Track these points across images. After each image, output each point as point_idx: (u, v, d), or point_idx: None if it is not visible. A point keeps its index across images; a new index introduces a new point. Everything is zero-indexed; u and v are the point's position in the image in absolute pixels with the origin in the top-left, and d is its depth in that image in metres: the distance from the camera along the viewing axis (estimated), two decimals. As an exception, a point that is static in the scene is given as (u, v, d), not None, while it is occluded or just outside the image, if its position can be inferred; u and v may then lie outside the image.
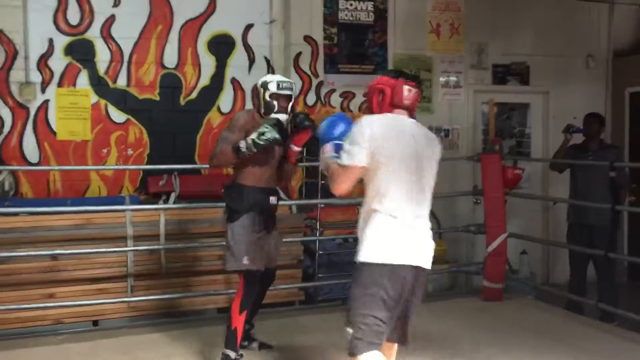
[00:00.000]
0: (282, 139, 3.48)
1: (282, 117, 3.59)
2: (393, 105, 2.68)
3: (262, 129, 3.43)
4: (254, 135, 3.42)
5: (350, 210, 5.99)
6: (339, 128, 2.75)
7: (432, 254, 2.69)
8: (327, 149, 2.73)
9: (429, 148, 2.68)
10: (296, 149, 3.64)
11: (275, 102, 3.60)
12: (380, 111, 2.68)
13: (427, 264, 2.66)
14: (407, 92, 2.68)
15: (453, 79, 6.43)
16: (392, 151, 2.54)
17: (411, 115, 2.74)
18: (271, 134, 3.41)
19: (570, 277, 5.41)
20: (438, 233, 6.06)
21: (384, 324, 2.52)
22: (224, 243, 3.66)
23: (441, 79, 6.39)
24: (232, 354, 3.55)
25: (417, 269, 2.60)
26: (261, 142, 3.41)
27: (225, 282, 4.96)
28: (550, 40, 6.67)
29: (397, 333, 2.69)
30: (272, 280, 3.95)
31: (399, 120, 2.66)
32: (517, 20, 6.59)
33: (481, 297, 5.28)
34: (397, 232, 2.57)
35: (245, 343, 3.83)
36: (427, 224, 2.69)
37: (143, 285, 4.78)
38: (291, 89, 3.67)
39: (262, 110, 3.64)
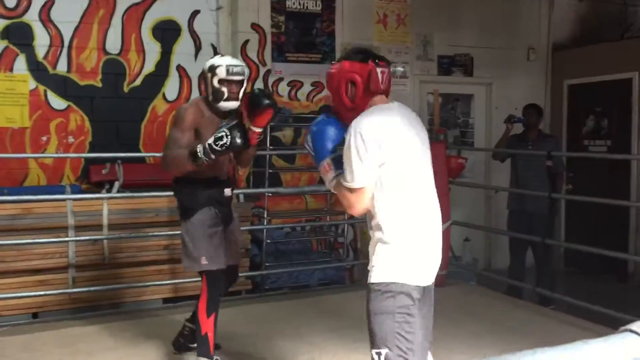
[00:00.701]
0: (244, 144, 3.11)
1: (233, 104, 3.30)
2: (371, 93, 2.27)
3: (219, 133, 3.07)
4: (210, 140, 3.07)
5: (297, 200, 6.02)
6: (331, 138, 2.30)
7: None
8: (327, 169, 2.31)
9: (423, 130, 2.33)
10: (257, 130, 3.25)
11: (224, 89, 3.26)
12: (354, 103, 2.28)
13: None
14: (382, 74, 2.27)
15: (400, 69, 6.51)
16: (402, 151, 2.18)
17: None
18: (230, 139, 3.05)
19: (510, 263, 5.59)
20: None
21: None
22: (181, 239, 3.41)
23: (388, 69, 6.44)
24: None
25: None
26: (219, 149, 3.07)
27: (171, 272, 4.91)
28: (493, 33, 6.83)
29: None
30: (235, 278, 3.69)
31: (390, 110, 2.26)
32: (461, 13, 6.71)
33: (425, 283, 5.38)
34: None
35: (193, 345, 3.53)
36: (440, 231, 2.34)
37: (85, 276, 4.68)
38: (242, 74, 3.32)
39: (210, 98, 3.30)
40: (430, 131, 6.48)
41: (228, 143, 3.06)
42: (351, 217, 6.14)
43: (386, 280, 2.15)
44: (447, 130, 6.50)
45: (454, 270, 5.64)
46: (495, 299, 5.09)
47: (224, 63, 3.31)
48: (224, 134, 3.06)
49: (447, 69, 6.78)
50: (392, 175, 2.16)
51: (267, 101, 3.22)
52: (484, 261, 6.87)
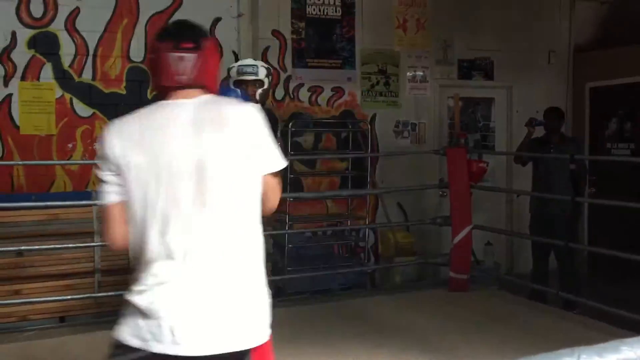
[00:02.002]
0: None
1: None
2: (158, 87, 1.76)
3: None
4: None
5: (319, 204, 6.05)
6: None
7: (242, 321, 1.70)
8: None
9: (219, 136, 1.66)
10: None
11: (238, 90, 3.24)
12: (156, 99, 1.77)
13: (217, 344, 1.62)
14: (178, 60, 1.70)
15: (420, 74, 6.51)
16: (143, 169, 1.65)
17: (210, 91, 1.76)
18: None
19: (533, 267, 5.55)
20: (406, 226, 6.17)
21: None
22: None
23: (408, 74, 6.46)
24: None
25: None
26: None
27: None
28: (513, 36, 6.80)
29: None
30: None
31: (164, 112, 1.71)
32: (481, 16, 6.70)
33: (448, 287, 5.38)
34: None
35: None
36: (221, 265, 1.65)
37: (110, 280, 4.75)
38: (255, 73, 3.28)
39: None
40: (450, 135, 6.54)
41: None
42: (372, 221, 6.19)
43: None
44: (467, 135, 6.48)
45: (476, 274, 5.62)
46: (518, 303, 5.06)
47: (237, 64, 3.34)
48: None
49: (467, 72, 6.77)
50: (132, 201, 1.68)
51: None
52: (506, 265, 6.82)
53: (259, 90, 3.30)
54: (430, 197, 6.30)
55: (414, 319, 4.56)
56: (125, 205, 1.69)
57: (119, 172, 1.68)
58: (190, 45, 1.73)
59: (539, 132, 5.56)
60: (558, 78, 7.10)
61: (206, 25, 5.71)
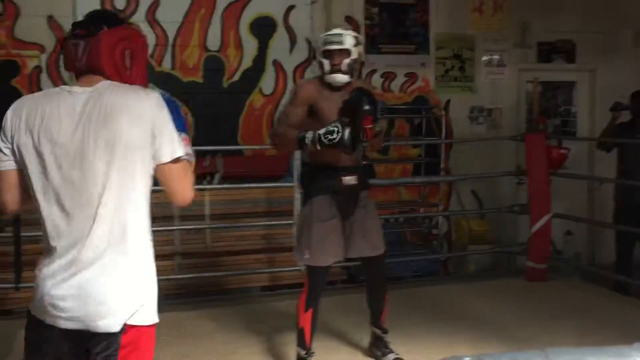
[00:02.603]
0: (351, 146, 2.94)
1: (340, 78, 3.13)
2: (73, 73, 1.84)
3: (332, 127, 2.94)
4: (321, 131, 2.96)
5: (391, 191, 6.01)
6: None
7: (113, 306, 1.72)
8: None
9: (103, 129, 1.69)
10: (367, 126, 3.02)
11: (326, 61, 3.12)
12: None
13: (95, 323, 1.69)
14: (73, 47, 1.79)
15: (496, 57, 6.33)
16: (29, 148, 1.73)
17: (110, 78, 1.78)
18: (339, 137, 2.90)
19: (617, 258, 5.33)
20: (480, 214, 6.05)
21: None
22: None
23: (484, 58, 6.30)
24: (301, 352, 3.31)
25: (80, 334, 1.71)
26: (326, 143, 2.94)
27: (268, 261, 5.06)
28: (596, 17, 6.48)
29: None
30: (377, 268, 3.39)
31: (58, 98, 1.75)
32: (562, -4, 6.43)
33: (525, 277, 5.24)
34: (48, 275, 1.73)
35: (379, 353, 3.49)
36: (101, 256, 1.71)
37: (189, 263, 4.92)
38: (340, 42, 3.09)
39: (319, 73, 3.21)
40: (529, 121, 6.34)
41: (336, 140, 2.92)
42: (445, 209, 6.10)
43: None
44: (547, 120, 6.26)
45: (555, 264, 5.45)
46: (600, 295, 4.87)
47: (324, 34, 3.21)
48: (336, 129, 2.94)
49: (547, 56, 6.52)
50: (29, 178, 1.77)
51: (366, 107, 2.96)
52: (588, 255, 6.57)
53: (346, 61, 3.12)
54: (506, 184, 6.14)
55: (490, 308, 4.48)
56: (19, 173, 1.78)
57: (10, 145, 1.77)
58: (83, 32, 1.79)
59: (625, 117, 5.31)
60: (646, 60, 6.72)
61: (280, 12, 5.78)
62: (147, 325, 1.80)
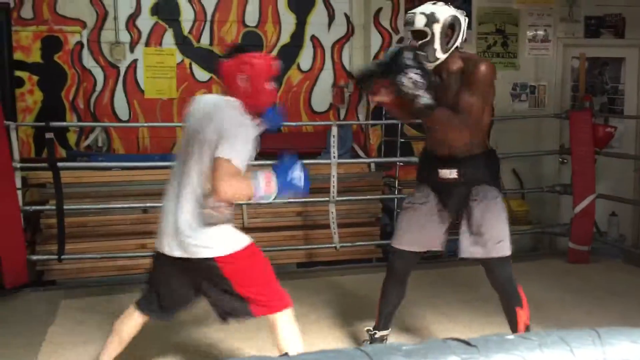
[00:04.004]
0: (360, 78, 2.82)
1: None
2: None
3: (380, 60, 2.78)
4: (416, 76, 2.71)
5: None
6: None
7: (190, 241, 2.58)
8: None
9: (203, 124, 2.57)
10: (383, 84, 2.74)
11: (409, 43, 2.80)
12: None
13: (181, 252, 2.60)
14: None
15: (541, 33, 6.13)
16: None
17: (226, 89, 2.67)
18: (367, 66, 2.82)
19: (664, 241, 5.15)
20: (521, 194, 5.91)
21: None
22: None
23: (528, 33, 6.11)
24: (370, 330, 3.26)
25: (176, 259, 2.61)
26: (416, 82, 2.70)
27: (305, 238, 5.06)
28: (650, -11, 6.21)
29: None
30: (490, 275, 3.07)
31: (202, 99, 2.81)
32: (613, -32, 6.17)
33: (566, 259, 5.13)
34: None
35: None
36: (183, 208, 2.58)
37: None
38: (411, 23, 2.76)
39: None
40: (574, 98, 6.13)
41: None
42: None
43: None
44: (593, 97, 6.05)
45: (599, 246, 5.31)
46: (645, 278, 4.73)
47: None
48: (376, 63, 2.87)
49: (594, 30, 6.28)
50: None
51: (405, 61, 2.64)
52: (633, 238, 6.37)
53: (425, 39, 2.73)
54: (548, 163, 5.99)
55: (530, 289, 4.35)
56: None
57: None
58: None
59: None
60: (701, 35, 6.42)
61: (319, -13, 5.70)
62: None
